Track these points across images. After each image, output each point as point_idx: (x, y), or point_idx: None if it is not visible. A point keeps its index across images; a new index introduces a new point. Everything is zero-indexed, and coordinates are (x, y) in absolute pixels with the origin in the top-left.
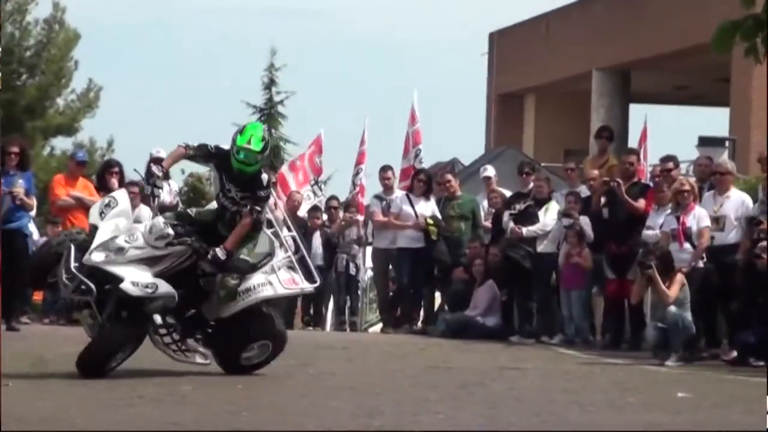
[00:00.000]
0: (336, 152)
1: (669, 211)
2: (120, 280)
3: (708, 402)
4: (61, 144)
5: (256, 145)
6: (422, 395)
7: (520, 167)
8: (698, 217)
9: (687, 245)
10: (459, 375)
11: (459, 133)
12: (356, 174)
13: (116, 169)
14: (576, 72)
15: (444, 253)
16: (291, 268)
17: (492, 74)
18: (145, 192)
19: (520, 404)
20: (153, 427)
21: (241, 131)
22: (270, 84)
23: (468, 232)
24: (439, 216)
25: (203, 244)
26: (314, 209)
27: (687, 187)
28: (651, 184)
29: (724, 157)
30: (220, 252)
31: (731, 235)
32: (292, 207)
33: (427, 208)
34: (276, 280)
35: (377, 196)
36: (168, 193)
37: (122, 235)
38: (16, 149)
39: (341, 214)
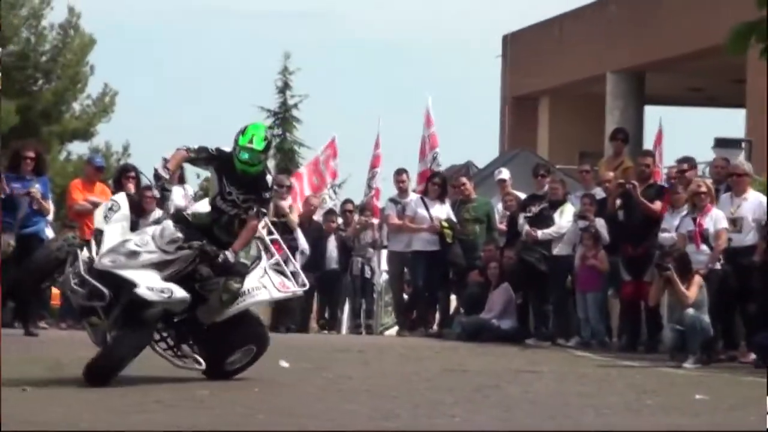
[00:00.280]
0: (350, 156)
1: (684, 213)
2: (133, 284)
3: (726, 404)
4: (77, 149)
5: (258, 145)
6: (438, 398)
7: (535, 169)
8: (715, 219)
9: (704, 247)
10: (474, 378)
11: (473, 136)
12: (371, 177)
13: (132, 174)
14: (590, 74)
15: (459, 256)
16: (279, 271)
17: (506, 77)
18: (155, 195)
19: (536, 407)
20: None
21: (242, 131)
22: (284, 87)
23: (483, 235)
24: (454, 219)
25: (213, 246)
26: (329, 213)
27: (704, 189)
28: (666, 186)
29: (740, 159)
30: (230, 255)
31: (749, 237)
32: (308, 211)
33: (442, 211)
34: (270, 283)
35: (392, 200)
36: (183, 197)
37: (133, 239)
38: (31, 153)
39: (356, 217)
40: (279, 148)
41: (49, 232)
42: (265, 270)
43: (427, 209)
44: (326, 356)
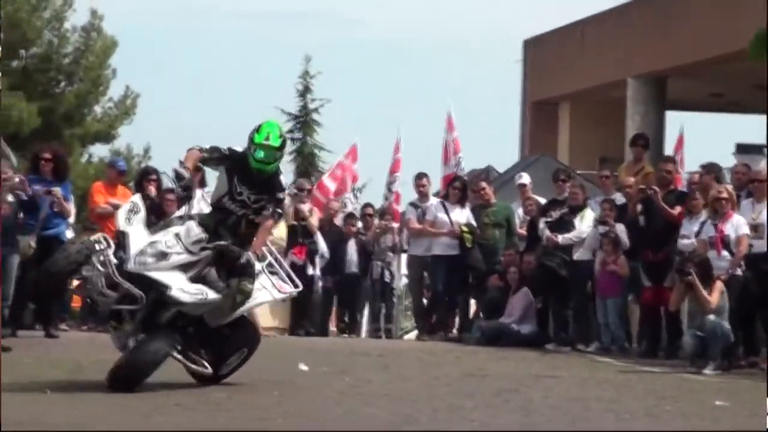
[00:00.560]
0: (371, 160)
1: (703, 218)
2: (166, 287)
3: (746, 410)
4: (99, 151)
5: (275, 141)
6: (458, 403)
7: (555, 174)
8: (736, 225)
9: (725, 253)
10: (494, 382)
11: (493, 141)
12: (392, 182)
13: (154, 177)
14: (611, 79)
15: (479, 261)
16: (273, 272)
17: (526, 81)
18: (178, 194)
19: (556, 412)
20: None
21: (257, 129)
22: (305, 91)
23: (503, 240)
24: (474, 223)
25: (237, 248)
26: (350, 216)
27: (725, 195)
28: (687, 192)
29: (762, 164)
30: (252, 256)
31: None
32: (329, 215)
33: (462, 215)
34: (269, 284)
35: (412, 204)
36: (204, 200)
37: (161, 240)
38: (48, 155)
39: (376, 221)
40: (299, 152)
41: (70, 235)
42: (263, 271)
43: (448, 213)
44: (346, 360)
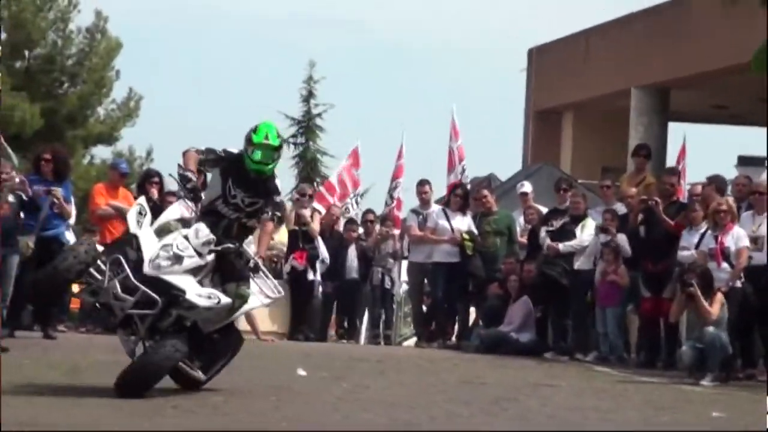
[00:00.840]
0: (373, 165)
1: (703, 230)
2: (182, 291)
3: (743, 422)
4: (101, 153)
5: (273, 141)
6: (455, 410)
7: (557, 183)
8: (737, 237)
9: (725, 265)
10: (492, 390)
11: (496, 149)
12: (394, 188)
13: (156, 179)
14: (615, 89)
15: (479, 268)
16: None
17: (530, 90)
18: (186, 197)
19: (553, 421)
20: None
21: (254, 130)
22: (308, 96)
23: (504, 248)
24: (475, 231)
25: (248, 251)
26: (350, 222)
27: (725, 207)
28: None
29: (763, 177)
30: (260, 261)
31: None
32: (330, 220)
33: (463, 223)
34: (257, 289)
35: (414, 210)
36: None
37: (174, 243)
38: (48, 156)
39: (377, 227)
40: (302, 157)
41: (70, 236)
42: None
43: (449, 221)
44: (344, 366)
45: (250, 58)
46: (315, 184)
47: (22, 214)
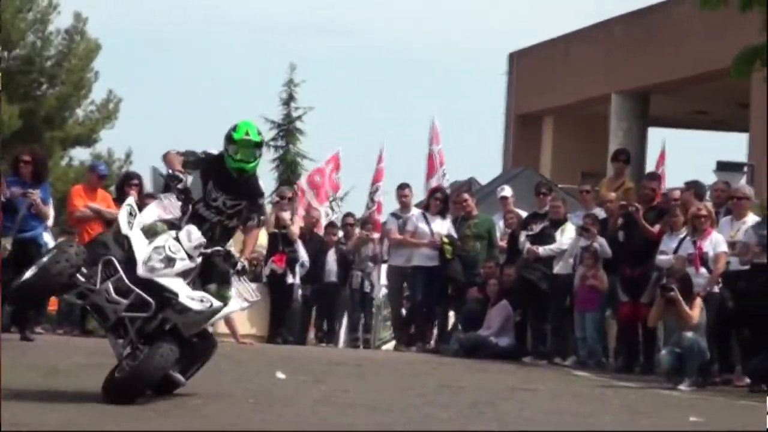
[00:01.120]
0: (352, 169)
1: (682, 235)
2: (175, 294)
3: (719, 427)
4: (79, 154)
5: (255, 137)
6: (434, 413)
7: (536, 188)
8: (715, 243)
9: (703, 270)
10: (470, 394)
11: (477, 153)
12: (374, 191)
13: (136, 182)
14: (595, 94)
15: (458, 272)
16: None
17: (511, 94)
18: (177, 198)
19: (531, 425)
20: None
21: (234, 128)
22: (289, 99)
23: (483, 252)
24: (454, 235)
25: (236, 253)
26: (330, 226)
27: (704, 212)
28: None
29: (742, 182)
30: (247, 264)
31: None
32: (310, 223)
33: (443, 226)
34: (235, 292)
35: (394, 214)
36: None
37: (166, 245)
38: (27, 157)
39: (357, 231)
40: (282, 160)
41: (48, 238)
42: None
43: (428, 224)
44: (323, 369)
45: (230, 61)
46: (294, 187)
47: None
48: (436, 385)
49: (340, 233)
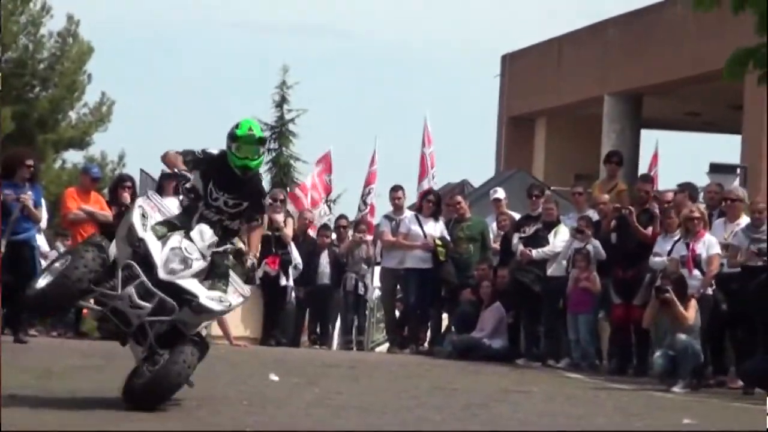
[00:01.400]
0: (346, 171)
1: (677, 237)
2: (195, 295)
3: (713, 429)
4: (72, 157)
5: (258, 132)
6: (427, 415)
7: (529, 190)
8: (708, 244)
9: (696, 272)
10: (464, 396)
11: (469, 155)
12: (367, 194)
13: (129, 184)
14: (588, 96)
15: (452, 274)
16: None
17: (503, 96)
18: (185, 197)
19: (524, 427)
20: None
21: (236, 126)
22: (281, 102)
23: (476, 254)
24: (447, 237)
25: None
26: (323, 228)
27: (697, 215)
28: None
29: (735, 184)
30: (255, 261)
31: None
32: (303, 225)
33: (436, 228)
34: (231, 288)
35: (387, 216)
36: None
37: (181, 246)
38: (30, 162)
39: (350, 233)
40: (275, 162)
41: (41, 240)
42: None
43: (421, 226)
44: (316, 371)
45: (223, 64)
46: (287, 189)
47: None
48: (430, 387)
49: (333, 236)
